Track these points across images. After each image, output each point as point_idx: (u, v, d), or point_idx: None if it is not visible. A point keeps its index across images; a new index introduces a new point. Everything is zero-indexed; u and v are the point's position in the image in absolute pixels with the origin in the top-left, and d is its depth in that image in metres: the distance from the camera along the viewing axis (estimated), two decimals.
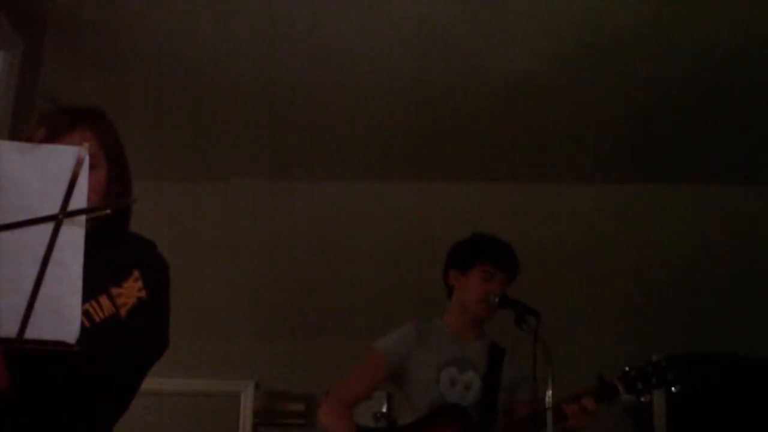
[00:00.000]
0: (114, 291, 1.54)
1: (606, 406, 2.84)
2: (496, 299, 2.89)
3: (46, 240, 1.29)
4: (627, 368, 2.78)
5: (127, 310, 1.54)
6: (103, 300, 1.51)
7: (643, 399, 2.76)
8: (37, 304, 1.28)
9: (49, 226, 1.30)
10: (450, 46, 3.62)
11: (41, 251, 1.29)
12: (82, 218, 1.33)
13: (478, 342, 2.97)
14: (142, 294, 1.58)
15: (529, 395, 2.86)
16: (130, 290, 1.57)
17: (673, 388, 2.77)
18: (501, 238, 3.07)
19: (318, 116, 4.23)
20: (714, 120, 4.17)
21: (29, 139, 1.64)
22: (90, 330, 1.42)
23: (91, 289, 1.37)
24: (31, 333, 1.27)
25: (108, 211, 1.43)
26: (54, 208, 1.31)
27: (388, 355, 2.89)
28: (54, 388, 1.52)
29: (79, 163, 1.32)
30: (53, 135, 1.64)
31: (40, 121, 1.69)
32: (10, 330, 1.27)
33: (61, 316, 1.29)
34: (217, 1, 3.37)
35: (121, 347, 1.54)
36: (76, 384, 1.52)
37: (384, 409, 4.32)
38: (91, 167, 1.37)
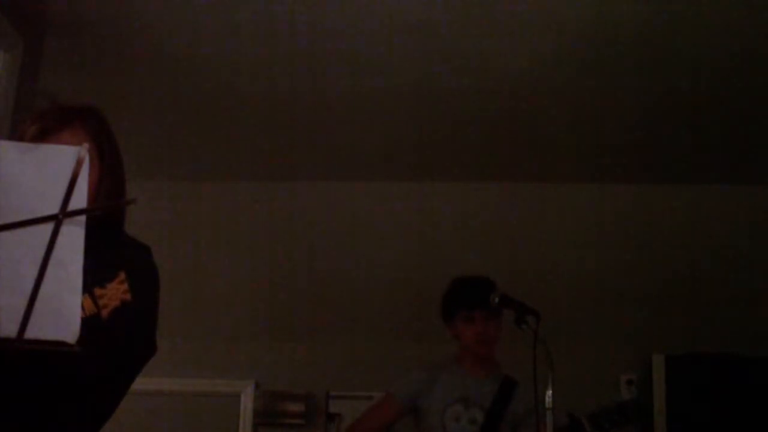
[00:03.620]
0: (97, 291, 1.52)
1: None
2: (496, 299, 2.90)
3: (46, 240, 1.29)
4: (595, 409, 2.99)
5: (109, 312, 1.53)
6: (85, 300, 1.49)
7: None
8: (37, 304, 1.27)
9: (49, 226, 1.30)
10: (450, 46, 3.62)
11: (41, 251, 1.29)
12: (82, 218, 1.32)
13: (488, 379, 3.18)
14: (127, 296, 1.57)
15: (531, 429, 3.02)
16: (114, 292, 1.55)
17: (638, 425, 3.08)
18: (472, 278, 3.31)
19: (318, 116, 4.23)
20: (714, 120, 4.17)
21: (21, 137, 1.63)
22: None
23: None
24: (31, 333, 1.27)
25: (103, 212, 1.42)
26: (54, 208, 1.30)
27: (398, 397, 3.18)
28: (36, 388, 1.51)
29: (78, 163, 1.32)
30: (45, 133, 1.64)
31: (34, 119, 1.68)
32: (10, 330, 1.27)
33: (61, 316, 1.29)
34: (218, 2, 3.37)
35: (101, 348, 1.51)
36: (59, 384, 1.51)
37: None
38: None
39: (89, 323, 1.47)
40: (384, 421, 3.19)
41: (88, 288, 1.49)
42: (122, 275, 1.58)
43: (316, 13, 3.41)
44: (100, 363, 1.53)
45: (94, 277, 1.50)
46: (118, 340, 1.56)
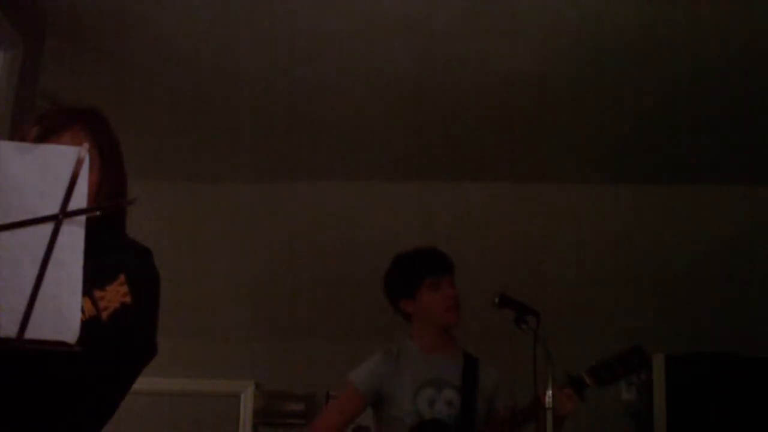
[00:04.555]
0: (97, 294, 1.52)
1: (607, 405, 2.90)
2: (496, 299, 2.89)
3: (46, 240, 1.29)
4: (594, 363, 2.85)
5: (108, 314, 1.53)
6: (85, 302, 1.49)
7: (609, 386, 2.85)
8: (37, 304, 1.27)
9: (49, 226, 1.30)
10: (450, 46, 3.62)
11: (41, 251, 1.29)
12: (82, 218, 1.32)
13: (452, 358, 3.01)
14: (127, 299, 1.56)
15: (507, 402, 2.99)
16: (114, 294, 1.55)
17: (641, 375, 2.87)
18: (421, 246, 3.14)
19: (318, 116, 4.23)
20: (714, 120, 4.17)
21: (23, 138, 1.63)
22: None
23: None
24: (31, 333, 1.27)
25: (104, 212, 1.42)
26: (54, 208, 1.30)
27: (361, 387, 2.95)
28: (36, 388, 1.51)
29: (79, 163, 1.32)
30: (47, 134, 1.64)
31: (35, 121, 1.68)
32: (10, 330, 1.27)
33: (61, 316, 1.29)
34: (218, 2, 3.37)
35: (101, 351, 1.51)
36: (59, 384, 1.52)
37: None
38: None
39: (89, 325, 1.47)
40: (350, 416, 2.99)
41: (87, 290, 1.50)
42: (122, 278, 1.58)
43: (316, 13, 3.41)
44: (100, 365, 1.54)
45: (93, 279, 1.50)
46: (118, 342, 1.57)
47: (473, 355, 3.06)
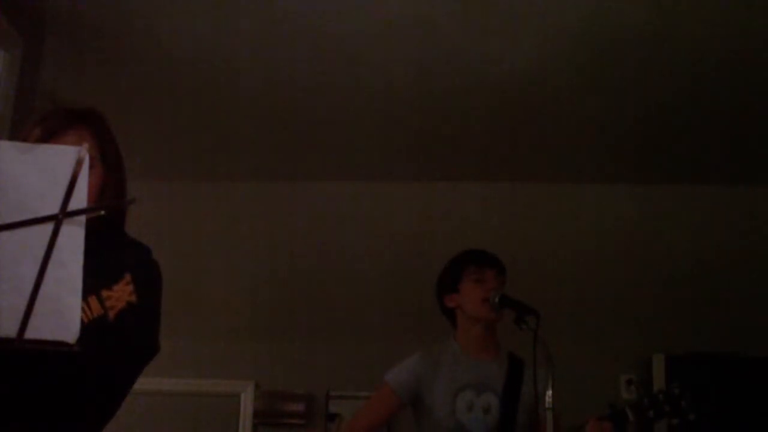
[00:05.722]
0: (104, 293, 1.53)
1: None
2: (496, 299, 2.88)
3: (46, 240, 1.29)
4: (639, 398, 2.75)
5: (115, 313, 1.53)
6: (92, 301, 1.50)
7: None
8: (37, 304, 1.27)
9: (49, 226, 1.30)
10: (450, 46, 3.62)
11: (41, 251, 1.29)
12: (82, 218, 1.32)
13: (495, 361, 2.92)
14: (133, 298, 1.58)
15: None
16: (121, 293, 1.56)
17: (691, 416, 2.76)
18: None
19: (318, 116, 4.23)
20: (714, 120, 4.17)
21: (25, 140, 1.63)
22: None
23: (81, 290, 1.36)
24: (31, 333, 1.27)
25: (103, 212, 1.42)
26: (54, 208, 1.30)
27: (396, 388, 2.88)
28: (38, 388, 1.51)
29: (78, 163, 1.32)
30: (49, 136, 1.64)
31: (37, 122, 1.69)
32: (10, 330, 1.27)
33: (61, 316, 1.29)
34: (218, 2, 3.37)
35: (107, 349, 1.53)
36: (61, 384, 1.52)
37: None
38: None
39: (96, 324, 1.48)
40: (384, 416, 2.93)
41: (95, 289, 1.50)
42: (128, 277, 1.59)
43: (316, 13, 3.41)
44: (104, 363, 1.54)
45: (100, 278, 1.51)
46: (124, 341, 1.58)
47: (519, 357, 2.94)
